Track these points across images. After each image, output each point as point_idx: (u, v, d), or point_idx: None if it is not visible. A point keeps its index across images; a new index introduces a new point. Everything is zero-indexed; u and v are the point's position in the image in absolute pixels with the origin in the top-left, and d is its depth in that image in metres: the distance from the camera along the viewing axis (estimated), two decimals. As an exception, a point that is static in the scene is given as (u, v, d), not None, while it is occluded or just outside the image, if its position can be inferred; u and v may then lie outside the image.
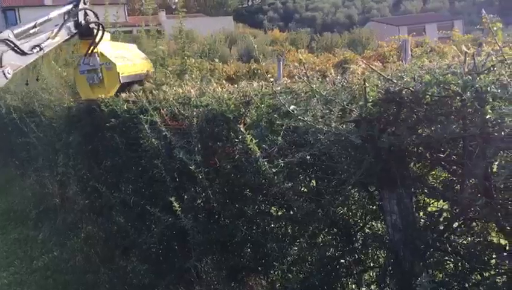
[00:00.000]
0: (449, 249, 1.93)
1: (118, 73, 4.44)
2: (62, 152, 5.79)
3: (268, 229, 2.84)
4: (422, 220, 2.02)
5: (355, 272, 2.45)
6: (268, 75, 4.89)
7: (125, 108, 4.25)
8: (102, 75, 4.47)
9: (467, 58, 1.68)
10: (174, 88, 3.89)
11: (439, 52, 10.74)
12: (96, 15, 4.19)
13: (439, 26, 45.34)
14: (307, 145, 2.47)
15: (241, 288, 3.35)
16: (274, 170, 2.15)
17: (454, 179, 1.83)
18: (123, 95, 4.31)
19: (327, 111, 1.88)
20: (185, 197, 3.48)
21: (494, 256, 1.91)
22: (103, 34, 4.20)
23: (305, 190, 2.41)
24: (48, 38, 3.35)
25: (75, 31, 3.87)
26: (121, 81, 4.48)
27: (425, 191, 1.95)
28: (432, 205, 2.05)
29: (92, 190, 5.10)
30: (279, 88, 2.30)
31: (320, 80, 2.24)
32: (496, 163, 1.52)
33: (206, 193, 3.06)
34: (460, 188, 1.76)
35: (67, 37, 3.76)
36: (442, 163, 1.86)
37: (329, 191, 2.26)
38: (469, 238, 1.88)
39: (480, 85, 1.48)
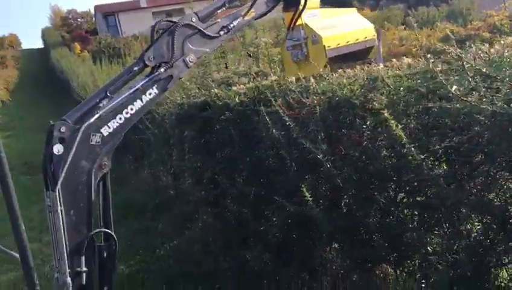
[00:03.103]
0: None
1: (324, 46, 3.89)
2: (176, 147, 6.04)
3: (402, 218, 2.72)
4: None
5: (507, 261, 2.27)
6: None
7: (238, 101, 4.32)
8: (307, 49, 3.94)
9: None
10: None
11: None
12: None
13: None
14: (441, 128, 2.33)
15: (370, 278, 3.27)
16: (422, 156, 2.04)
17: None
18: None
19: (484, 89, 1.73)
20: (306, 186, 3.46)
21: None
22: (306, 1, 3.47)
23: (452, 174, 2.25)
24: (238, 17, 2.84)
25: (273, 4, 3.15)
26: (328, 56, 3.92)
27: None
28: None
29: (207, 181, 5.26)
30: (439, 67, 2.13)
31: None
32: None
33: (332, 182, 3.00)
34: None
35: (263, 13, 3.07)
36: None
37: (478, 176, 2.10)
38: None
39: None
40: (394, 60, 3.10)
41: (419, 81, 2.25)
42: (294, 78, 3.60)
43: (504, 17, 9.10)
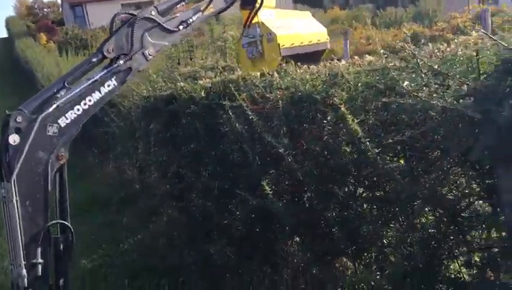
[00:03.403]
0: None
1: (279, 45, 3.97)
2: (142, 140, 5.98)
3: (360, 211, 2.78)
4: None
5: (457, 253, 2.36)
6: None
7: (203, 95, 4.32)
8: (262, 47, 4.03)
9: None
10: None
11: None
12: None
13: (512, -7, 42.41)
14: (399, 124, 2.39)
15: (329, 271, 3.33)
16: (377, 150, 2.09)
17: None
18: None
19: (436, 86, 1.79)
20: (268, 180, 3.49)
21: None
22: (263, 0, 3.58)
23: (407, 168, 2.32)
24: (198, 12, 2.90)
25: (231, 1, 3.23)
26: (282, 54, 4.00)
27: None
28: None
29: (172, 175, 5.24)
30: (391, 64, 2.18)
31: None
32: None
33: (294, 176, 3.04)
34: None
35: (221, 9, 3.16)
36: None
37: (431, 170, 2.17)
38: None
39: None
40: (356, 57, 3.16)
41: (377, 77, 2.31)
42: (258, 73, 3.64)
43: (467, 19, 9.38)
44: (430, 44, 2.24)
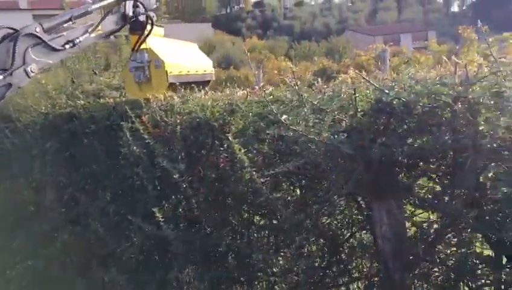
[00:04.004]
0: (437, 260, 1.93)
1: (166, 72, 4.00)
2: (38, 158, 5.64)
3: (252, 239, 2.80)
4: (411, 231, 2.01)
5: (341, 282, 2.44)
6: (248, 84, 4.88)
7: (105, 114, 4.18)
8: (149, 72, 4.03)
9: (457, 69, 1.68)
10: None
11: (416, 61, 10.93)
12: (145, 7, 3.63)
13: (414, 37, 46.36)
14: (293, 155, 2.46)
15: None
16: (262, 180, 2.12)
17: (444, 190, 1.83)
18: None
19: (317, 121, 1.87)
20: (166, 206, 3.43)
21: (480, 267, 1.92)
22: (152, 28, 3.66)
23: (292, 199, 2.38)
24: (85, 33, 2.89)
25: (120, 25, 3.32)
26: (170, 81, 4.02)
27: (416, 202, 1.95)
28: (419, 216, 2.04)
29: (69, 198, 4.97)
30: (268, 98, 2.25)
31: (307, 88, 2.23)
32: (490, 175, 1.52)
33: (189, 202, 3.00)
34: (450, 199, 1.76)
35: (110, 32, 3.21)
36: (433, 174, 1.86)
37: (317, 201, 2.24)
38: (458, 250, 1.88)
39: (473, 96, 1.48)
40: (257, 87, 3.23)
41: (269, 108, 2.36)
42: (162, 96, 3.61)
43: (370, 58, 10.05)
44: (319, 80, 2.35)
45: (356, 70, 2.70)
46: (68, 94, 5.53)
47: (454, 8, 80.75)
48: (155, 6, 3.75)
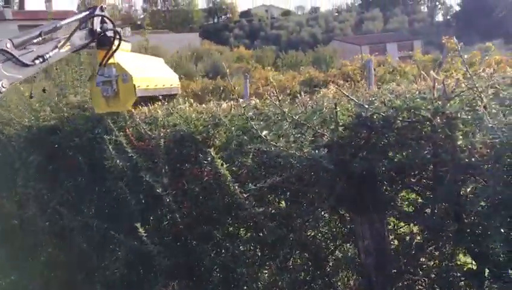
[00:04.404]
0: (420, 273, 1.93)
1: (134, 86, 3.99)
2: (22, 171, 5.57)
3: (237, 253, 2.77)
4: (394, 245, 2.02)
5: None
6: (235, 95, 4.90)
7: (89, 127, 4.15)
8: (117, 87, 4.03)
9: (436, 84, 1.69)
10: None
11: (401, 71, 11.05)
12: (113, 23, 3.74)
13: (400, 46, 46.92)
14: (278, 168, 2.46)
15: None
16: (245, 195, 2.11)
17: (426, 203, 1.84)
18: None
19: (299, 135, 1.87)
20: (151, 219, 3.40)
21: (463, 279, 1.92)
22: (120, 43, 3.72)
23: (276, 212, 2.37)
24: (55, 48, 2.97)
25: (88, 40, 3.41)
26: (138, 95, 4.02)
27: (397, 215, 1.95)
28: (402, 229, 2.05)
29: (52, 212, 4.91)
30: (250, 113, 2.25)
31: (289, 102, 2.23)
32: (468, 189, 1.53)
33: (173, 216, 2.98)
34: (431, 213, 1.77)
35: (79, 47, 3.30)
36: (414, 187, 1.87)
37: (300, 214, 2.24)
38: (441, 263, 1.88)
39: (451, 111, 1.49)
40: (241, 100, 3.22)
41: (252, 122, 2.36)
42: (145, 110, 3.60)
43: (356, 68, 10.13)
44: (302, 93, 2.36)
45: (342, 81, 2.71)
46: (52, 106, 5.48)
47: (439, 17, 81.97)
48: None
